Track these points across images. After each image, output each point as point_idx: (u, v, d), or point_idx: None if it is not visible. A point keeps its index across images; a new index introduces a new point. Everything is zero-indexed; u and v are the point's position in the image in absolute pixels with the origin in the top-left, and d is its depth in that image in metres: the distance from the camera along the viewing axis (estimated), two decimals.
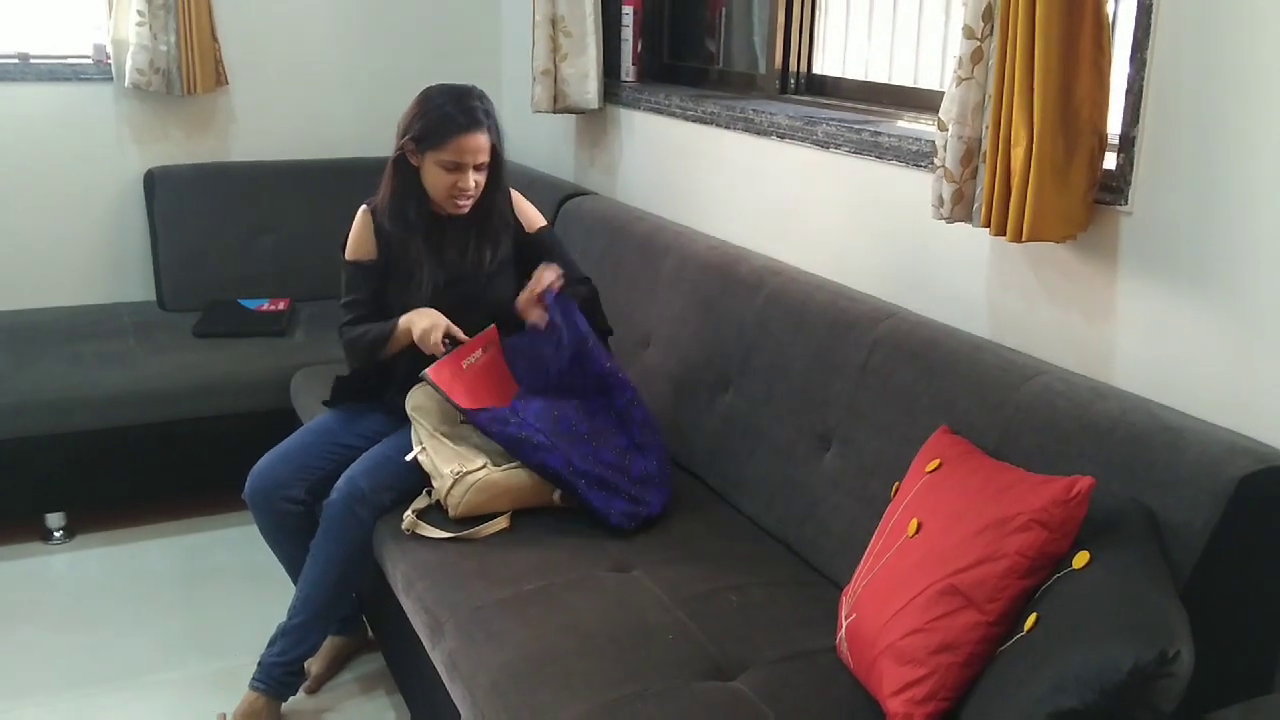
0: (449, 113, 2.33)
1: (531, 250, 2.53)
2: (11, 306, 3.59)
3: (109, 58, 3.60)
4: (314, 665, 2.51)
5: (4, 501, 3.01)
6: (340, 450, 2.44)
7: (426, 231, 2.43)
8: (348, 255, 2.47)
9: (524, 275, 2.44)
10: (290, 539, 2.44)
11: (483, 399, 2.30)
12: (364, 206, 2.47)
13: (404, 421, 2.40)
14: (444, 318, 2.34)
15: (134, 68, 3.52)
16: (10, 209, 3.57)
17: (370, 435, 2.46)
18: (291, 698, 2.38)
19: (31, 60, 3.57)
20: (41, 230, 3.62)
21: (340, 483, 2.31)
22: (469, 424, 2.32)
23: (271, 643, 2.33)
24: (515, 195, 2.54)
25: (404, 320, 2.37)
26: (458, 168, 2.34)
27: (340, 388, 2.57)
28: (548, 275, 2.34)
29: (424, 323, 2.33)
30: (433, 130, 2.33)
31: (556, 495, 2.27)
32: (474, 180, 2.37)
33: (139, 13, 3.47)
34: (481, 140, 2.34)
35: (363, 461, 2.35)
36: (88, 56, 3.66)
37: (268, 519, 2.43)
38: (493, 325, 2.43)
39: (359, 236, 2.46)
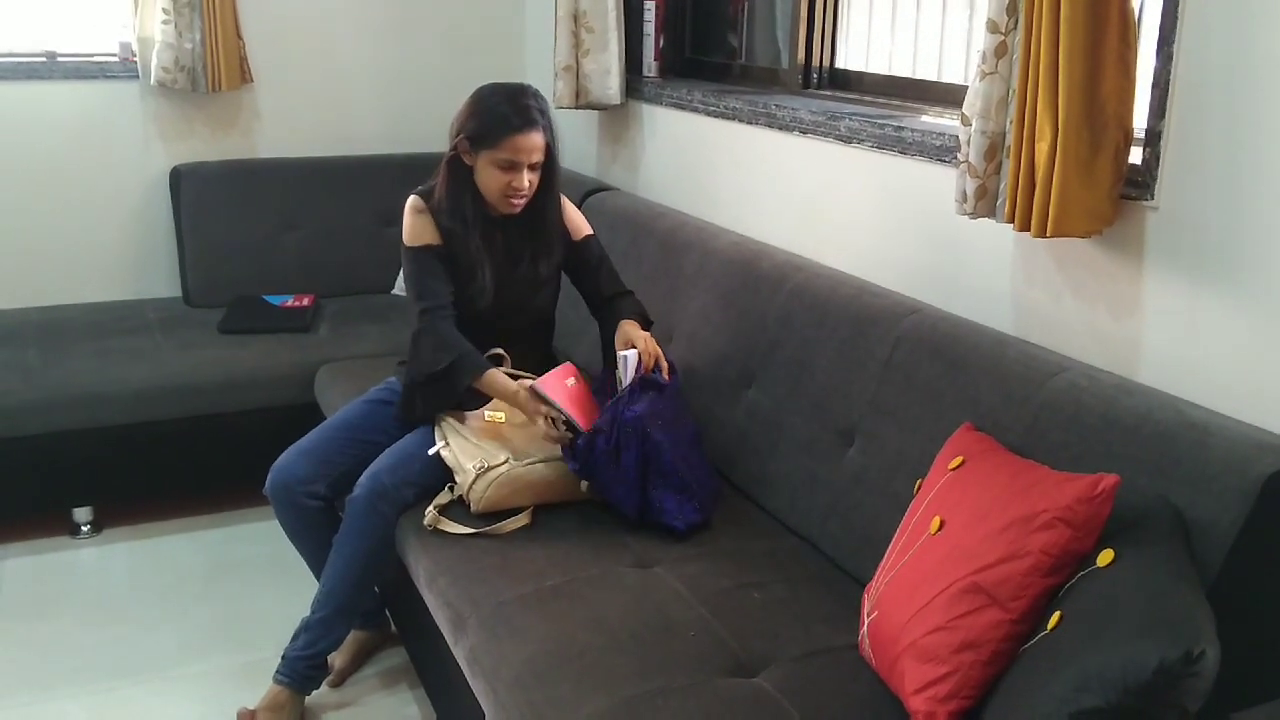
0: (504, 112, 2.32)
1: (577, 257, 2.54)
2: (40, 303, 3.63)
3: (134, 55, 3.62)
4: (337, 659, 2.52)
5: (32, 496, 3.04)
6: (362, 446, 2.44)
7: (484, 230, 2.42)
8: (410, 242, 2.40)
9: (573, 282, 2.53)
10: (312, 534, 2.45)
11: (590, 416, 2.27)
12: (413, 196, 2.43)
13: None
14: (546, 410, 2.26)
15: (159, 65, 3.54)
16: (38, 207, 3.60)
17: (392, 431, 2.46)
18: (315, 691, 2.39)
19: (58, 59, 3.60)
20: (69, 227, 3.65)
21: (364, 478, 2.31)
22: (494, 420, 2.34)
23: (295, 637, 2.34)
24: (564, 201, 2.53)
25: (512, 386, 2.29)
26: (512, 167, 2.33)
27: (417, 399, 2.43)
28: (663, 362, 2.33)
29: (534, 408, 2.26)
30: (488, 130, 2.32)
31: (585, 485, 2.27)
32: (528, 180, 2.35)
33: (164, 10, 3.49)
34: (537, 139, 2.34)
35: (386, 457, 2.35)
36: (114, 54, 3.69)
37: (289, 514, 2.44)
38: (568, 363, 2.43)
39: (418, 223, 2.41)
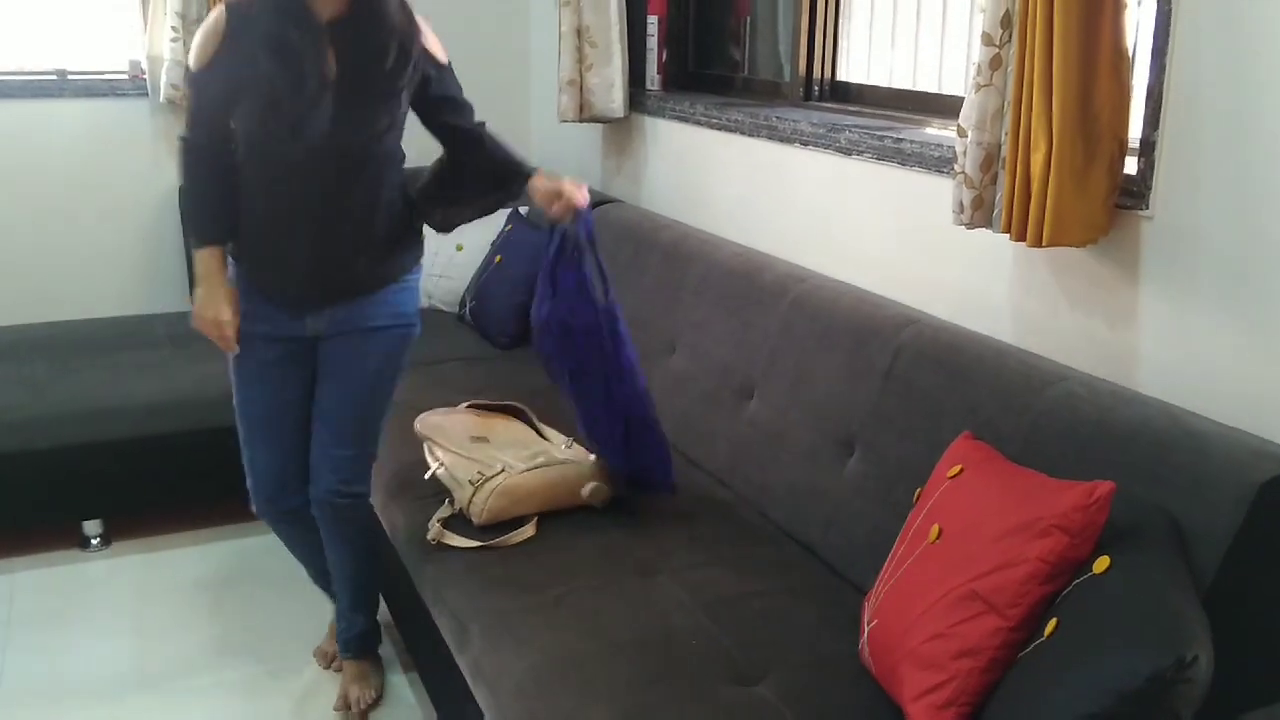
0: None
1: (438, 89, 2.19)
2: (50, 318, 3.66)
3: (144, 73, 3.66)
4: (326, 645, 2.62)
5: (43, 509, 3.07)
6: (297, 426, 2.31)
7: (305, 28, 2.00)
8: (192, 63, 2.06)
9: (424, 117, 2.23)
10: (314, 538, 2.43)
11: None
12: (221, 4, 2.05)
13: (315, 318, 2.22)
14: (231, 316, 2.16)
15: (169, 83, 3.58)
16: (49, 223, 3.64)
17: (296, 381, 2.28)
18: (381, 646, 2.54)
19: (69, 77, 3.65)
20: (79, 243, 3.69)
21: (312, 490, 2.31)
22: (482, 440, 2.38)
23: (337, 623, 2.48)
24: (423, 22, 2.17)
25: (202, 269, 2.14)
26: None
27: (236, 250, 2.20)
28: (584, 194, 2.16)
29: (211, 312, 2.15)
30: None
31: (586, 490, 2.28)
32: None
33: (173, 29, 3.53)
34: None
35: (319, 447, 2.28)
36: (124, 72, 3.73)
37: (287, 530, 2.44)
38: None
39: (210, 39, 2.02)
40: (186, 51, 3.53)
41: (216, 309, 2.17)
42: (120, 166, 3.71)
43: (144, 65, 3.65)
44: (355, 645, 2.49)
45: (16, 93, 3.56)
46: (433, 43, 2.17)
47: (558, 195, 2.14)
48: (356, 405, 2.27)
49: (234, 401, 2.31)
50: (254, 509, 2.37)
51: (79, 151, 3.65)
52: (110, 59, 3.75)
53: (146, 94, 3.68)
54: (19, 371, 3.19)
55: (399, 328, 2.27)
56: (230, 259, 2.20)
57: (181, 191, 2.20)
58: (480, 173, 2.27)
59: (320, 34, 2.00)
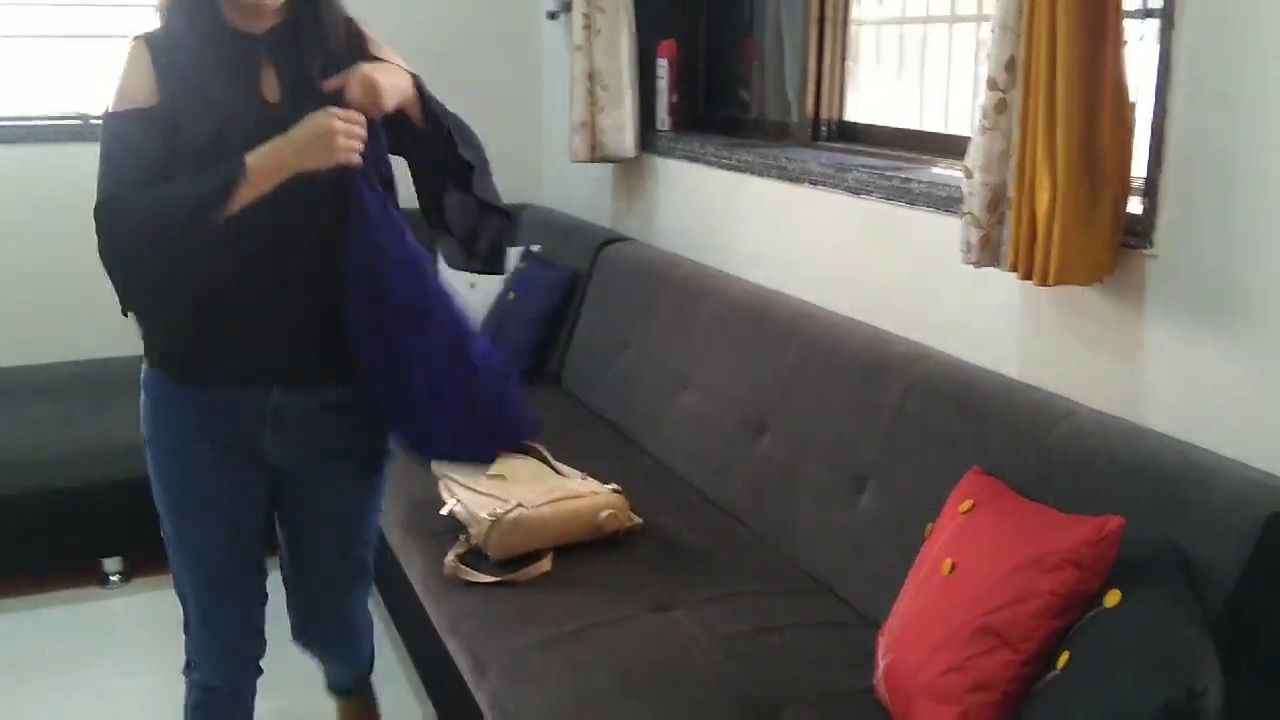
0: None
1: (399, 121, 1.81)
2: (72, 357, 3.71)
3: None
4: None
5: (62, 546, 3.10)
6: (255, 575, 2.00)
7: (229, 51, 1.73)
8: (114, 106, 1.71)
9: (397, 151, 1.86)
10: None
11: None
12: (134, 37, 1.75)
13: (254, 397, 1.82)
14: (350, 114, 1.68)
15: None
16: (77, 263, 3.65)
17: (249, 520, 1.94)
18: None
19: (91, 121, 3.71)
20: (105, 283, 3.73)
21: (311, 650, 2.22)
22: (499, 477, 2.38)
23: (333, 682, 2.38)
24: (375, 38, 1.88)
25: (266, 151, 1.65)
26: None
27: (168, 348, 1.83)
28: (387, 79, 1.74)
29: (328, 124, 1.64)
30: None
31: (603, 516, 2.30)
32: None
33: None
34: None
35: (296, 597, 2.10)
36: None
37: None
38: None
39: (132, 75, 1.71)
40: None
41: (315, 122, 1.65)
42: None
43: None
44: (353, 686, 2.41)
45: (42, 137, 3.64)
46: (389, 54, 1.87)
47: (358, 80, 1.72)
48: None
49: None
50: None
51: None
52: None
53: None
54: (41, 410, 3.23)
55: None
56: (150, 368, 1.86)
57: (126, 266, 1.74)
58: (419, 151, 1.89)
59: (255, 49, 1.73)
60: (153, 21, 1.77)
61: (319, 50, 1.76)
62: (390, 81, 1.74)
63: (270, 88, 1.75)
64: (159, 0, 1.75)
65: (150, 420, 1.87)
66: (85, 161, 3.60)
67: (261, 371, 1.80)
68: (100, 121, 1.75)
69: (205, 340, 1.78)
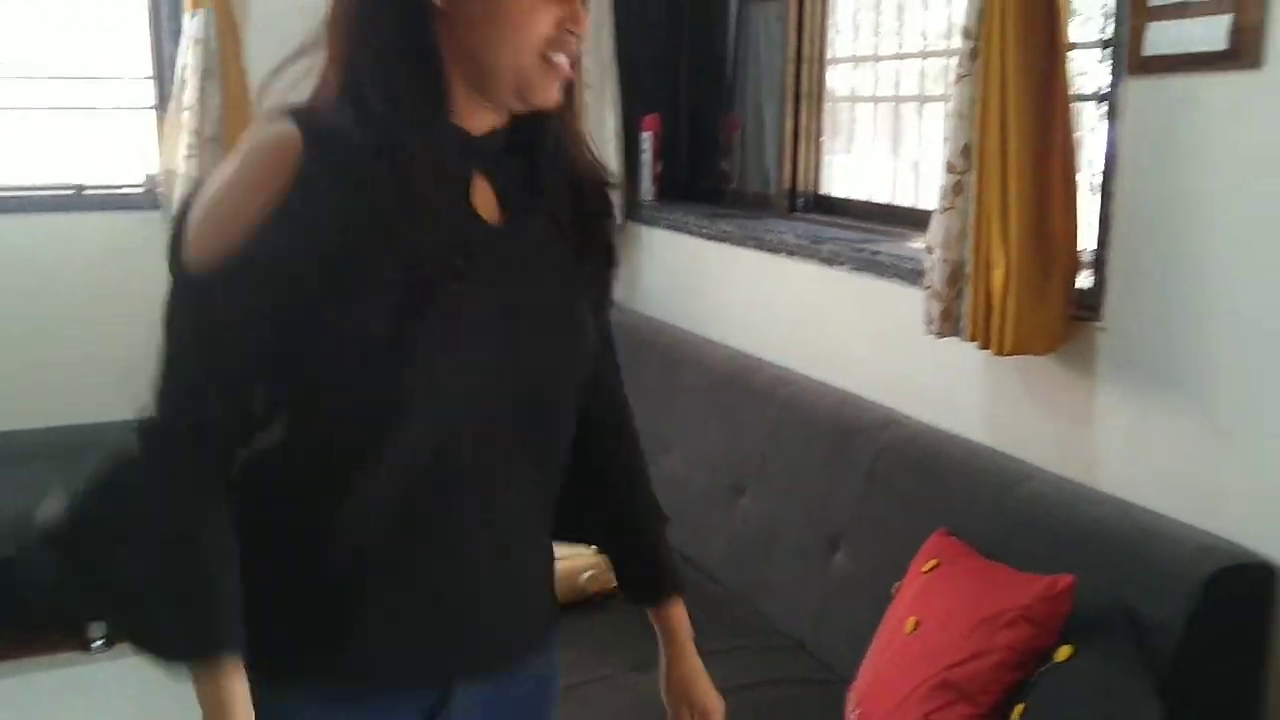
0: None
1: (603, 312, 1.32)
2: (71, 421, 3.77)
3: (160, 187, 3.83)
4: None
5: (48, 610, 3.14)
6: None
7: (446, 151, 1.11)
8: (213, 245, 1.13)
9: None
10: None
11: None
12: (283, 123, 1.06)
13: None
14: None
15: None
16: (69, 331, 3.75)
17: None
18: None
19: (85, 192, 3.81)
20: (96, 350, 3.81)
21: None
22: None
23: None
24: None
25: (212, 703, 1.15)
26: None
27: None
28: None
29: None
30: None
31: (584, 578, 2.37)
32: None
33: (188, 146, 3.70)
34: None
35: None
36: (139, 186, 3.90)
37: None
38: None
39: (253, 191, 1.06)
40: (200, 168, 3.69)
41: None
42: (137, 277, 3.84)
43: (160, 179, 3.82)
44: None
45: (36, 206, 3.71)
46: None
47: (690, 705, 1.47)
48: None
49: None
50: None
51: (96, 262, 3.75)
52: (127, 173, 3.93)
53: (159, 207, 3.84)
54: (30, 476, 3.28)
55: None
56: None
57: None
58: (600, 502, 1.49)
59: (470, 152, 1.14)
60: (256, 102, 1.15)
61: (556, 169, 1.19)
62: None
63: (485, 203, 1.15)
64: (319, 61, 1.10)
65: None
66: (78, 231, 3.75)
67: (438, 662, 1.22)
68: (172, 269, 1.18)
69: (343, 623, 1.17)
